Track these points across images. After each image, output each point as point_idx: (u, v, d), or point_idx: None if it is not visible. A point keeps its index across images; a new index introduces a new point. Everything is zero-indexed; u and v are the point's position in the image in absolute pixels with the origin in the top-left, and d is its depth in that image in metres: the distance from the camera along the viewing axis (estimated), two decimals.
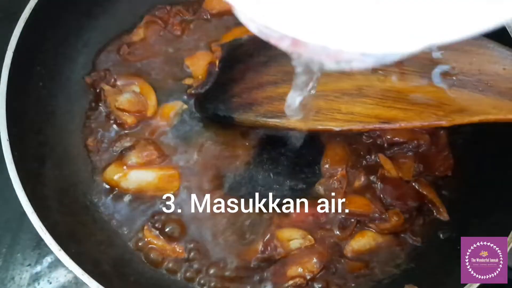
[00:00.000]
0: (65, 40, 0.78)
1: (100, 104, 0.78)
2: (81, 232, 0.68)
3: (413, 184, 0.74)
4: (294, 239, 0.70)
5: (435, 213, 0.73)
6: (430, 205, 0.74)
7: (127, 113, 0.77)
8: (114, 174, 0.74)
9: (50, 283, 0.76)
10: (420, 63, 0.65)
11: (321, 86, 0.67)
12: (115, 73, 0.79)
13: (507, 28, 0.66)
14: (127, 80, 0.79)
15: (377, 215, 0.71)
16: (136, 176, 0.74)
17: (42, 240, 0.76)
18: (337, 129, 0.65)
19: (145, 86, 0.79)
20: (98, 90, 0.79)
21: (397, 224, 0.72)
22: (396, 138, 0.76)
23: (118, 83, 0.79)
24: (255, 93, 0.71)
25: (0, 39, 0.65)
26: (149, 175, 0.74)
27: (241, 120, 0.71)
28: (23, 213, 0.60)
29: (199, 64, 0.80)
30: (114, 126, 0.78)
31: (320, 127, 0.65)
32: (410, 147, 0.76)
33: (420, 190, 0.73)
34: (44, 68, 0.73)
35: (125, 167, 0.74)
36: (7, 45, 0.65)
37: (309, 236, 0.70)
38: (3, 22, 0.66)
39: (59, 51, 0.77)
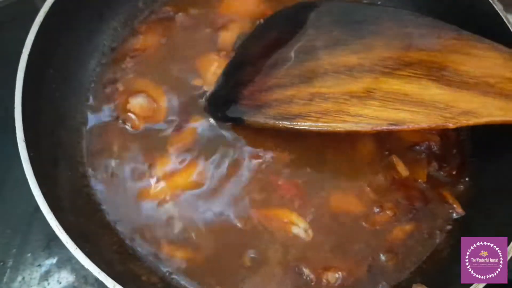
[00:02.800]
0: (77, 44, 0.79)
1: (111, 107, 0.79)
2: (94, 233, 0.69)
3: (426, 184, 0.75)
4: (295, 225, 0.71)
5: (447, 211, 0.74)
6: (444, 203, 0.74)
7: (137, 117, 0.78)
8: None
9: (60, 283, 0.76)
10: (427, 66, 0.66)
11: (330, 89, 0.68)
12: (127, 77, 0.81)
13: None
14: (137, 84, 0.80)
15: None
16: None
17: (52, 240, 0.77)
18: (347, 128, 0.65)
19: (156, 89, 0.79)
20: (109, 93, 0.80)
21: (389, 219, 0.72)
22: (408, 140, 0.76)
23: (129, 86, 0.80)
24: (264, 96, 0.71)
25: (16, 42, 0.66)
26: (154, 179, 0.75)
27: (250, 122, 0.71)
28: (33, 214, 0.60)
29: (207, 66, 0.81)
30: (124, 129, 0.78)
31: (329, 129, 0.66)
32: (422, 148, 0.76)
33: (434, 189, 0.74)
34: (56, 71, 0.74)
35: None
36: (22, 48, 0.66)
37: (309, 231, 0.71)
38: (19, 25, 0.67)
39: (71, 54, 0.78)
